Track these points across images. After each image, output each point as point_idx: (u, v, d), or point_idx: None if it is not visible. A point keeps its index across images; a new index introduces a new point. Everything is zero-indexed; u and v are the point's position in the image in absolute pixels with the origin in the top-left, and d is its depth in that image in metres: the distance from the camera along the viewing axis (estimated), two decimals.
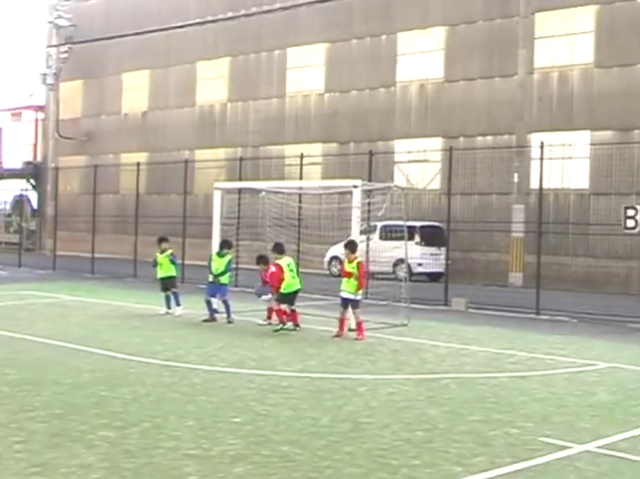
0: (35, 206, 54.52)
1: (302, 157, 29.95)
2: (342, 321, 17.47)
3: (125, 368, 13.12)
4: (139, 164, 34.89)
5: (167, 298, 20.77)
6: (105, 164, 43.53)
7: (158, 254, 20.96)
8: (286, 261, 18.51)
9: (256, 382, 12.20)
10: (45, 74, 51.12)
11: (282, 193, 23.94)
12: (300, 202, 26.15)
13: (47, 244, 47.04)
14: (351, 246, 17.81)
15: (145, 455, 8.27)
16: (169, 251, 20.99)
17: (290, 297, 18.24)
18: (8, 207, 53.73)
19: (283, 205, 24.26)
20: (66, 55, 50.37)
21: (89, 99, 52.74)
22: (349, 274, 17.38)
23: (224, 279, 19.69)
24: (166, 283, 20.93)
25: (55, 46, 51.14)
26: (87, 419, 9.65)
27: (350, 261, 17.56)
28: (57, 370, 12.80)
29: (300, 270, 27.26)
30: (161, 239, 21.17)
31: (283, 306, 18.13)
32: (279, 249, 18.79)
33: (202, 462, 8.09)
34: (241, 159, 33.61)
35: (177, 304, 20.65)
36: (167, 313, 20.55)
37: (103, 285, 29.31)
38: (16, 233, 48.41)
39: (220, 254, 19.88)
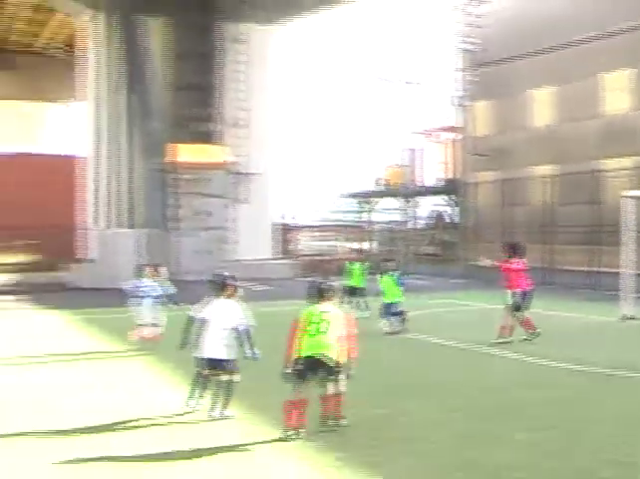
0: (452, 219, 55.70)
1: None
2: None
3: (536, 372, 13.04)
4: (547, 176, 34.58)
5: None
6: (514, 177, 43.57)
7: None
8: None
9: None
10: (457, 96, 52.23)
11: None
12: None
13: (464, 255, 47.87)
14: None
15: (564, 457, 8.17)
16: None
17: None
18: (427, 221, 55.33)
19: None
20: (475, 78, 51.11)
21: (498, 117, 53.01)
22: None
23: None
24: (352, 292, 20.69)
25: (465, 70, 52.07)
26: (507, 421, 9.70)
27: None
28: (476, 373, 13.01)
29: None
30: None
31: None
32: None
33: (621, 469, 7.83)
34: None
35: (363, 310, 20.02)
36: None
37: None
38: (434, 245, 49.72)
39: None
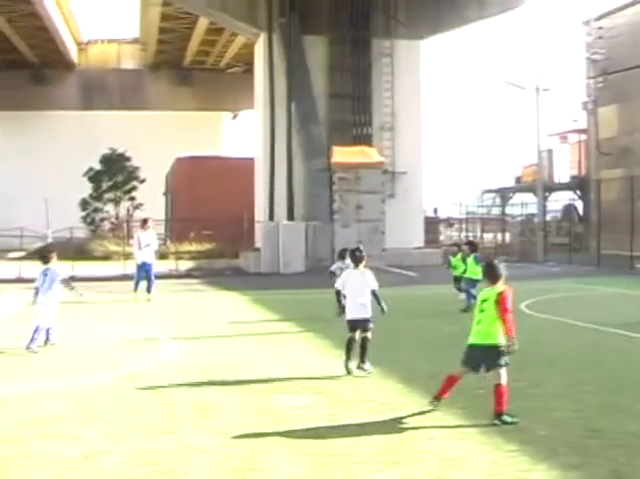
0: (581, 212, 54.29)
1: None
2: None
3: None
4: None
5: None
6: (637, 174, 42.00)
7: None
8: None
9: None
10: (585, 102, 50.87)
11: None
12: None
13: (591, 245, 46.49)
14: None
15: None
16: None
17: None
18: (559, 214, 54.23)
19: None
20: (601, 84, 49.58)
21: (623, 119, 51.21)
22: None
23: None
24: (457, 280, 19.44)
25: (592, 78, 50.55)
26: (635, 394, 9.30)
27: None
28: (604, 351, 12.59)
29: None
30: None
31: None
32: None
33: None
34: None
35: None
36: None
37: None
38: (565, 235, 48.64)
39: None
